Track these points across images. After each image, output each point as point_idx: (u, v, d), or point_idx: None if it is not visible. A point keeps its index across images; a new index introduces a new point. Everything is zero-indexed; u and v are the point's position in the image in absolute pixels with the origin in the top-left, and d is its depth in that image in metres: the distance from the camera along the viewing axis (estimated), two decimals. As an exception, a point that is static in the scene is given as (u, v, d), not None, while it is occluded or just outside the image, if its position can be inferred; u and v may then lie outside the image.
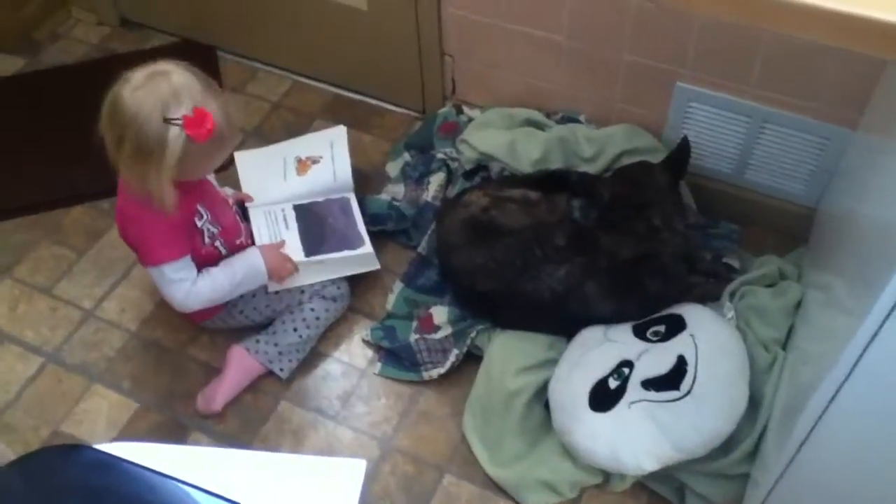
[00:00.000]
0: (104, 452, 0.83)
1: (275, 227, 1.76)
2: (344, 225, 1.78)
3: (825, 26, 0.80)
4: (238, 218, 1.69)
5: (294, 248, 1.70)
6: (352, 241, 1.74)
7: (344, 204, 1.82)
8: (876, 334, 0.96)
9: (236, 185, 1.83)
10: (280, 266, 1.64)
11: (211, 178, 1.64)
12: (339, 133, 1.88)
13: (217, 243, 1.60)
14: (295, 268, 1.66)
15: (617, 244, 1.57)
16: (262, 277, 1.62)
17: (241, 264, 1.60)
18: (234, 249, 1.64)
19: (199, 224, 1.54)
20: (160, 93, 1.35)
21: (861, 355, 0.99)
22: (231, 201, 1.71)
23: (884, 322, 0.94)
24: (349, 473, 0.91)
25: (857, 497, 1.19)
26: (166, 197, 1.40)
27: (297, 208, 1.80)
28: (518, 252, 1.59)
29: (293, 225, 1.76)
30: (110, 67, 2.31)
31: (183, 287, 1.53)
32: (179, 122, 1.34)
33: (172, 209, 1.42)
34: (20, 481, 0.79)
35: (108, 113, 1.38)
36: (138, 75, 1.38)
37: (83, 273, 1.86)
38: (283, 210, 1.79)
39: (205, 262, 1.58)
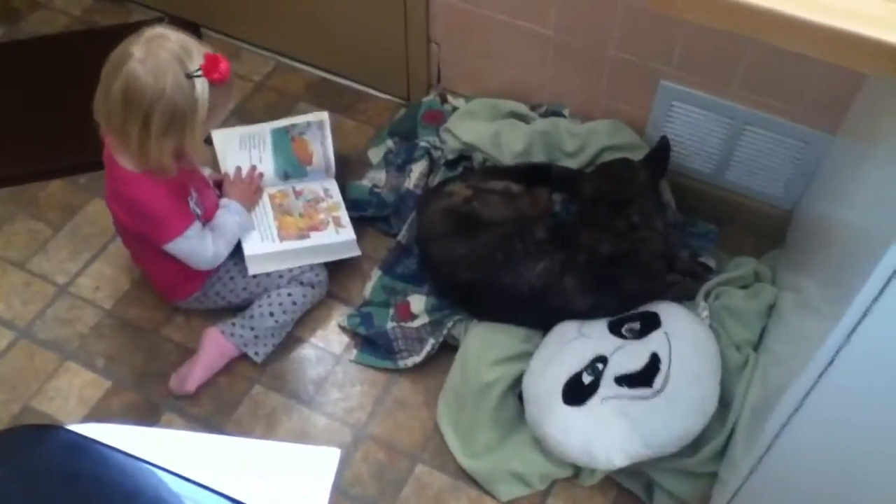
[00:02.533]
0: (78, 434, 0.82)
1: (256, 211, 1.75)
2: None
3: (811, 40, 0.81)
4: (218, 200, 1.69)
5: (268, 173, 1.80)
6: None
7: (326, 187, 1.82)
8: (847, 339, 0.97)
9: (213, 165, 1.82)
10: (248, 194, 1.71)
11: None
12: (321, 119, 1.88)
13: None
14: (259, 188, 1.75)
15: (596, 240, 1.58)
16: (251, 219, 1.68)
17: (232, 209, 1.64)
18: (215, 230, 1.64)
19: (190, 204, 1.54)
20: (170, 53, 1.35)
21: (832, 359, 1.00)
22: (211, 182, 1.70)
23: (855, 327, 0.95)
24: (323, 461, 0.91)
25: (823, 498, 1.21)
26: (200, 152, 1.45)
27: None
28: (498, 244, 1.60)
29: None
30: (92, 40, 2.28)
31: (208, 242, 1.55)
32: (199, 72, 1.35)
33: (206, 159, 1.51)
34: (-7, 459, 0.78)
35: (122, 99, 1.35)
36: (136, 49, 1.35)
37: (58, 248, 1.84)
38: (263, 193, 1.78)
39: None
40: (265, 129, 1.86)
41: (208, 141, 1.73)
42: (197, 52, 1.37)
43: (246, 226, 1.66)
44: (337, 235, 1.74)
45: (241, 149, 1.82)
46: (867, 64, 0.81)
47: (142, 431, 0.95)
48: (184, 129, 1.37)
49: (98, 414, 1.61)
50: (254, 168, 1.76)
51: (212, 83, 1.36)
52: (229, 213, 1.63)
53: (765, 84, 1.59)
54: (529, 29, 1.76)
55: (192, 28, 2.18)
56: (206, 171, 1.75)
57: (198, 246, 1.54)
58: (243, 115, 2.03)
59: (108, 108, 1.37)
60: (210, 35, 2.21)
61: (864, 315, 0.93)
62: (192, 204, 1.55)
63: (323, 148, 1.84)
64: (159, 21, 1.44)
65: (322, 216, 1.77)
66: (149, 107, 1.34)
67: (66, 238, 1.85)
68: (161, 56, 1.34)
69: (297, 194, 1.80)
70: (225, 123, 1.86)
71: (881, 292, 0.90)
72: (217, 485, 0.83)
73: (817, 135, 1.60)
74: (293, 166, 1.82)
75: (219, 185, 1.76)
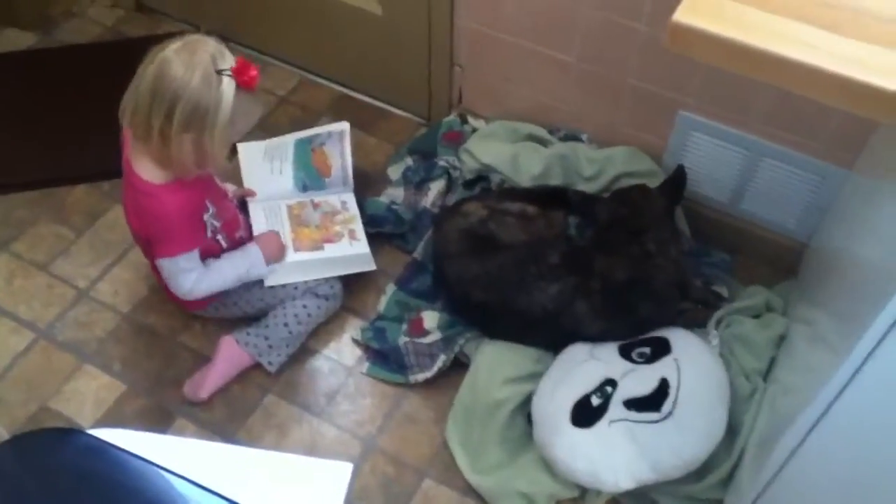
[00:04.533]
0: (98, 438, 0.85)
1: (273, 221, 1.78)
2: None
3: (825, 88, 0.84)
4: (238, 212, 1.71)
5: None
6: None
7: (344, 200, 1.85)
8: (856, 373, 0.98)
9: (235, 176, 1.85)
10: (278, 253, 1.70)
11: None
12: (342, 130, 1.90)
13: (219, 237, 1.62)
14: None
15: (610, 266, 1.60)
16: (263, 270, 1.66)
17: (245, 258, 1.64)
18: (234, 242, 1.67)
19: (204, 218, 1.57)
20: (206, 50, 1.39)
21: (840, 393, 1.01)
22: (231, 196, 1.73)
23: (865, 361, 0.96)
24: (335, 476, 0.93)
25: (827, 530, 1.22)
26: (220, 157, 1.45)
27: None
28: (513, 266, 1.61)
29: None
30: (121, 51, 2.33)
31: (192, 277, 1.56)
32: (229, 72, 1.38)
33: (225, 168, 1.51)
34: (15, 460, 0.81)
35: (152, 87, 1.38)
36: (174, 44, 1.40)
37: (80, 252, 1.87)
38: (281, 205, 1.81)
39: (205, 254, 1.60)
40: (289, 140, 1.90)
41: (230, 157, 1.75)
42: (230, 56, 1.42)
43: (250, 276, 1.65)
44: (350, 248, 1.76)
45: (263, 160, 1.86)
46: (883, 113, 0.83)
47: (158, 438, 0.97)
48: (204, 125, 1.39)
49: (112, 417, 1.64)
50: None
51: (239, 86, 1.40)
52: (235, 264, 1.63)
53: (782, 118, 1.61)
54: (551, 55, 1.78)
55: (220, 42, 2.22)
56: (231, 188, 1.79)
57: (179, 275, 1.56)
58: (267, 129, 2.05)
59: (137, 99, 1.40)
60: (237, 49, 2.24)
61: (875, 350, 0.94)
62: (207, 217, 1.57)
63: (342, 160, 1.87)
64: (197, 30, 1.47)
65: (338, 228, 1.79)
66: (174, 96, 1.37)
67: (88, 243, 1.89)
68: (196, 52, 1.38)
69: (315, 206, 1.83)
70: (249, 137, 1.92)
71: (892, 328, 0.91)
72: (231, 494, 0.85)
73: (833, 169, 1.61)
74: (312, 178, 1.85)
75: (242, 202, 1.79)
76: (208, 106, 1.38)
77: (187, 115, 1.38)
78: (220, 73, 1.38)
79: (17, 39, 2.27)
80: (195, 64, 1.37)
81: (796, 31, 0.88)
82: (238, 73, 1.39)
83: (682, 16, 0.88)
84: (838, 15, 0.89)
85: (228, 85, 1.39)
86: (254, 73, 1.41)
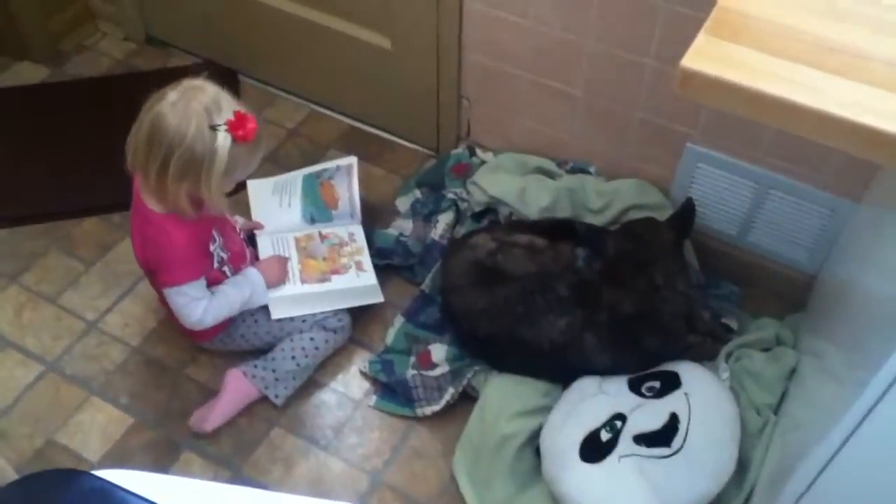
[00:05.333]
0: (104, 480, 0.84)
1: (281, 252, 1.78)
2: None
3: (829, 131, 0.84)
4: (245, 245, 1.72)
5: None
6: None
7: (352, 232, 1.85)
8: (870, 411, 0.97)
9: (244, 210, 1.86)
10: (279, 277, 1.70)
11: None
12: (350, 164, 1.92)
13: (225, 268, 1.63)
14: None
15: (618, 299, 1.60)
16: (265, 295, 1.68)
17: (247, 282, 1.65)
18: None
19: (211, 248, 1.57)
20: (201, 103, 1.39)
21: (854, 430, 1.00)
22: (239, 229, 1.73)
23: (880, 399, 0.95)
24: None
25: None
26: (218, 203, 1.46)
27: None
28: (520, 299, 1.61)
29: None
30: (132, 84, 2.35)
31: (201, 305, 1.57)
32: (224, 126, 1.38)
33: (224, 209, 1.52)
34: (21, 502, 0.80)
35: (147, 136, 1.39)
36: (171, 93, 1.40)
37: (90, 285, 1.88)
38: (289, 237, 1.82)
39: (210, 285, 1.61)
40: (297, 175, 1.91)
41: (238, 190, 1.76)
42: (227, 108, 1.40)
43: (252, 302, 1.66)
44: (357, 279, 1.77)
45: (272, 194, 1.87)
46: (887, 158, 0.83)
47: (164, 479, 0.96)
48: (199, 176, 1.40)
49: (119, 450, 1.64)
50: (286, 260, 1.78)
51: (235, 139, 1.39)
52: (238, 287, 1.63)
53: (790, 150, 1.61)
54: (558, 89, 1.80)
55: (230, 74, 2.24)
56: (240, 220, 1.79)
57: (188, 305, 1.56)
58: (275, 161, 2.07)
59: (136, 143, 1.42)
60: (247, 82, 2.27)
61: (889, 387, 0.93)
62: (214, 247, 1.58)
63: (349, 192, 1.88)
64: (202, 71, 1.48)
65: (345, 260, 1.80)
66: (168, 149, 1.38)
67: (97, 275, 1.90)
68: (192, 104, 1.38)
69: (323, 238, 1.83)
70: (259, 169, 1.92)
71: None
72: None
73: (842, 202, 1.61)
74: (319, 210, 1.86)
75: (251, 235, 1.79)
76: (202, 159, 1.38)
77: (182, 167, 1.39)
78: (214, 128, 1.38)
79: (30, 73, 2.30)
80: (189, 117, 1.37)
81: (802, 75, 0.88)
82: (234, 128, 1.39)
83: (689, 61, 0.89)
84: (843, 59, 0.90)
85: (224, 139, 1.38)
86: (251, 125, 1.40)
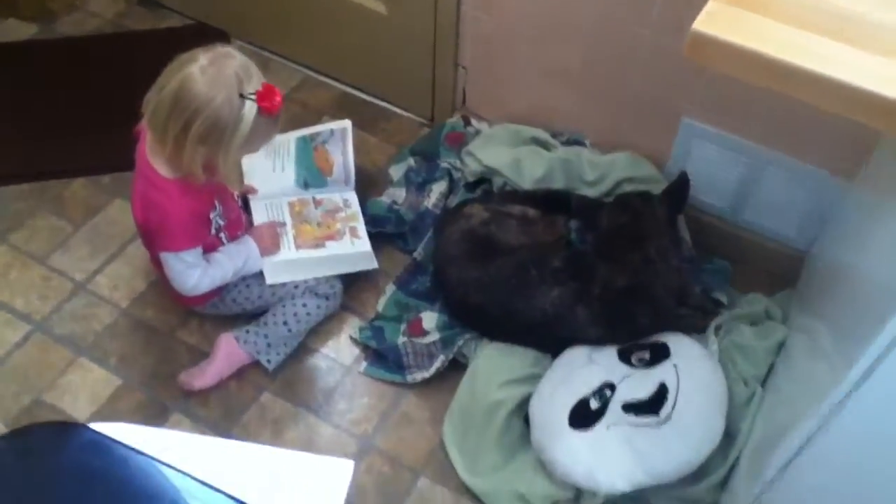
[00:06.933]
0: (101, 433, 0.84)
1: (275, 217, 1.78)
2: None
3: (840, 99, 0.84)
4: (241, 212, 1.72)
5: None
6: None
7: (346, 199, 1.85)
8: (856, 387, 0.97)
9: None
10: (272, 245, 1.70)
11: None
12: (344, 128, 1.90)
13: (221, 234, 1.62)
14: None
15: (611, 272, 1.60)
16: (259, 263, 1.67)
17: (241, 250, 1.64)
18: (235, 241, 1.67)
19: (211, 216, 1.57)
20: (233, 70, 1.38)
21: (837, 408, 1.01)
22: (236, 194, 1.72)
23: (864, 378, 0.96)
24: (336, 473, 0.92)
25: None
26: (230, 173, 1.46)
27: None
28: (513, 270, 1.61)
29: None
30: (122, 44, 2.31)
31: (196, 273, 1.56)
32: (253, 96, 1.37)
33: (237, 185, 1.52)
34: (14, 457, 0.80)
35: (174, 96, 1.37)
36: (202, 57, 1.38)
37: (78, 246, 1.86)
38: (283, 202, 1.81)
39: (206, 251, 1.60)
40: (291, 137, 1.89)
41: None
42: (256, 78, 1.40)
43: (245, 271, 1.66)
44: (352, 246, 1.76)
45: (265, 158, 1.85)
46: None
47: (157, 433, 0.97)
48: (220, 143, 1.39)
49: (107, 411, 1.63)
50: (281, 225, 1.77)
51: (261, 111, 1.39)
52: (233, 256, 1.63)
53: (786, 127, 1.61)
54: (555, 59, 1.79)
55: (222, 37, 2.21)
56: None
57: (185, 272, 1.56)
58: (268, 126, 2.05)
59: (158, 103, 1.39)
60: (240, 45, 2.24)
61: (875, 366, 0.94)
62: (214, 214, 1.58)
63: (343, 158, 1.87)
64: (194, 33, 1.46)
65: (339, 226, 1.79)
66: (194, 111, 1.36)
67: (86, 236, 1.88)
68: (223, 70, 1.37)
69: (317, 204, 1.82)
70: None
71: (891, 348, 0.91)
72: (233, 491, 0.84)
73: (835, 179, 1.62)
74: (313, 176, 1.85)
75: (244, 198, 1.78)
76: (227, 126, 1.38)
77: (204, 131, 1.38)
78: (243, 97, 1.37)
79: (18, 30, 2.26)
80: (220, 82, 1.36)
81: (814, 43, 0.88)
82: (262, 99, 1.38)
83: (701, 25, 0.89)
84: (857, 29, 0.89)
85: (250, 109, 1.38)
86: (278, 99, 1.40)
